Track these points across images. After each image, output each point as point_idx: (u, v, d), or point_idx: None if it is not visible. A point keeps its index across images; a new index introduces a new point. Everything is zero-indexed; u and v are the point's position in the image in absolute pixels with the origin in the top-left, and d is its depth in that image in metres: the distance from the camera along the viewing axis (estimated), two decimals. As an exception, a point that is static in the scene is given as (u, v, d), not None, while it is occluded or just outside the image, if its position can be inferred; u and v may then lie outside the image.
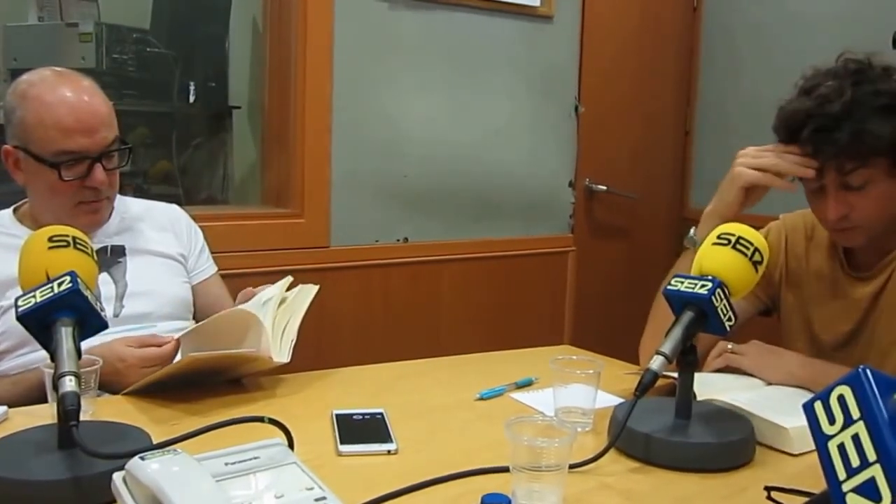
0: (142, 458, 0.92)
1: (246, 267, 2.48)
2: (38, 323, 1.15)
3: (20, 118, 1.70)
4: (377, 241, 2.87)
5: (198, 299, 1.96)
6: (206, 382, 1.56)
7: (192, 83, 3.24)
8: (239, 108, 3.31)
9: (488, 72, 3.06)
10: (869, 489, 0.78)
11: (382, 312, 2.87)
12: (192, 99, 3.26)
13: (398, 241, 2.91)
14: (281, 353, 1.59)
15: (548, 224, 3.31)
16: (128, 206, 1.91)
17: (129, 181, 3.08)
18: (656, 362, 1.26)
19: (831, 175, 1.57)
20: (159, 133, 3.26)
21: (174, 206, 2.06)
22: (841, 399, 0.83)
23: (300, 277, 2.65)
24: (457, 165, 3.02)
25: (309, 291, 1.74)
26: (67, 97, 1.70)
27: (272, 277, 2.58)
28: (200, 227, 2.06)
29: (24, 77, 1.75)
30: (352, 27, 2.72)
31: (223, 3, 3.27)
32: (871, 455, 0.78)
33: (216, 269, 2.04)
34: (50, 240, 1.24)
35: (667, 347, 1.27)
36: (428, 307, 2.98)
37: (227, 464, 1.02)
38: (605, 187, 3.49)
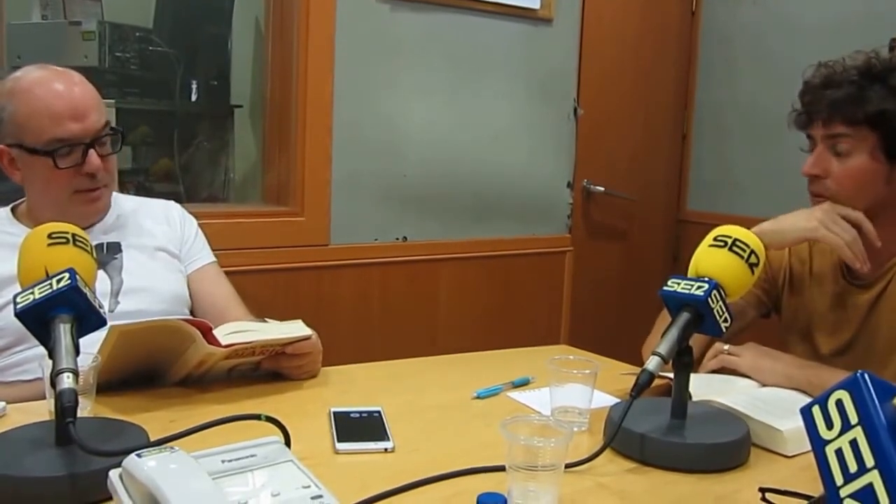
0: (138, 456, 0.92)
1: (246, 264, 2.49)
2: (37, 319, 1.15)
3: (11, 114, 1.70)
4: (376, 239, 2.87)
5: (193, 288, 1.93)
6: (160, 381, 1.56)
7: (194, 82, 3.25)
8: (241, 107, 3.31)
9: (488, 73, 3.06)
10: (866, 495, 0.77)
11: (381, 311, 2.88)
12: (194, 98, 3.27)
13: (397, 240, 2.92)
14: (224, 338, 1.53)
15: (546, 224, 3.32)
16: (122, 204, 1.91)
17: (130, 179, 3.09)
18: (652, 363, 1.26)
19: (819, 130, 1.64)
20: (161, 131, 3.26)
21: (168, 201, 2.05)
22: (839, 404, 0.83)
23: (300, 275, 2.69)
24: (456, 166, 3.03)
25: (298, 329, 1.64)
26: (55, 87, 1.71)
27: (272, 275, 2.62)
28: (201, 224, 2.05)
29: (11, 76, 1.75)
30: (353, 28, 2.72)
31: (226, 3, 3.27)
32: (869, 460, 0.78)
33: (213, 259, 2.00)
34: (49, 236, 1.24)
35: (663, 348, 1.27)
36: (426, 306, 2.99)
37: (223, 461, 1.03)
38: (602, 189, 3.50)
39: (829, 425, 0.83)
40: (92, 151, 1.72)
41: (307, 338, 1.61)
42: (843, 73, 1.62)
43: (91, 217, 1.81)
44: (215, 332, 1.53)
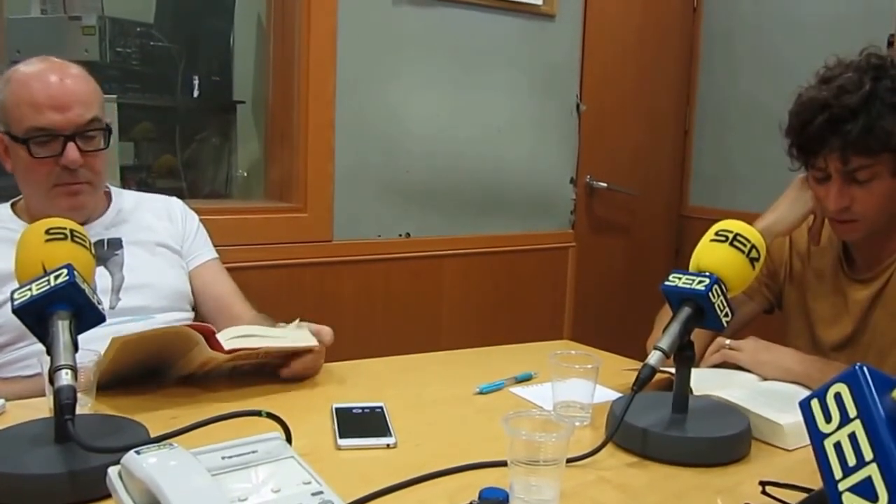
0: (137, 453, 0.92)
1: (249, 261, 2.49)
2: (35, 316, 1.14)
3: (2, 101, 1.71)
4: (379, 235, 2.87)
5: (195, 284, 1.93)
6: (162, 378, 1.55)
7: (196, 77, 3.24)
8: (243, 102, 3.29)
9: (491, 69, 3.06)
10: (865, 488, 0.77)
11: (383, 307, 2.88)
12: (195, 93, 3.26)
13: (400, 236, 2.92)
14: (228, 342, 1.51)
15: (549, 220, 3.32)
16: (123, 199, 1.90)
17: (133, 175, 3.08)
18: (654, 357, 1.26)
19: (835, 165, 1.57)
20: (163, 127, 3.26)
21: (169, 197, 2.05)
22: (838, 397, 0.82)
23: (303, 271, 2.69)
24: (459, 162, 3.02)
25: (305, 338, 1.62)
26: (44, 77, 1.70)
27: (275, 271, 2.62)
28: (204, 221, 2.05)
29: (14, 67, 1.76)
30: (355, 23, 2.72)
31: (228, -2, 3.27)
32: (868, 454, 0.77)
33: (215, 255, 2.00)
34: (47, 232, 1.23)
35: (664, 343, 1.27)
36: (429, 302, 2.99)
37: (224, 458, 1.02)
38: (605, 184, 3.49)
39: (828, 418, 0.82)
40: (71, 145, 1.70)
41: (312, 349, 1.60)
42: (844, 106, 1.53)
43: (73, 213, 1.65)
44: (220, 335, 1.52)
